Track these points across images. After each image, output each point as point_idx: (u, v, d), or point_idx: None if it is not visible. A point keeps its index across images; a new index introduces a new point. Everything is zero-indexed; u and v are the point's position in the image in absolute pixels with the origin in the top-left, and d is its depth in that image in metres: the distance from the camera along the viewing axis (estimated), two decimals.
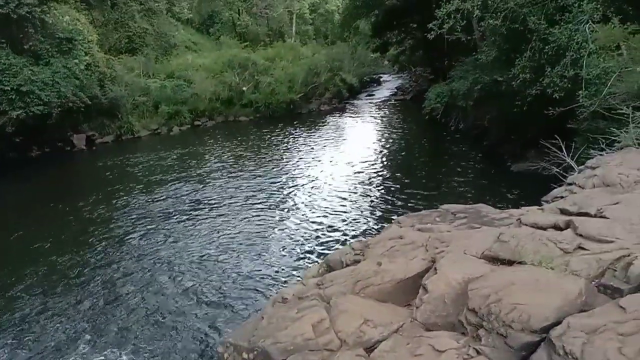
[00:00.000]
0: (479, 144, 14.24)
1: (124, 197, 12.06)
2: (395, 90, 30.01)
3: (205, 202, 11.49)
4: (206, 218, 10.55)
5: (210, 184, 12.80)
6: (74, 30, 16.56)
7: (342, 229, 9.51)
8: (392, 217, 7.46)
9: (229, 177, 13.33)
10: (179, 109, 20.06)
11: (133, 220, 10.63)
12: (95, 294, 7.66)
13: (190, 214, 10.80)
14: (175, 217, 10.66)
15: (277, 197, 11.66)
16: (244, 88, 22.53)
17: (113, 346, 6.32)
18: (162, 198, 11.87)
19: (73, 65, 15.85)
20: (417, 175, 13.05)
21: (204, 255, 8.76)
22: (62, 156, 16.24)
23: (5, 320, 6.99)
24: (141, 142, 18.15)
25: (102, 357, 6.16)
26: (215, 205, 11.22)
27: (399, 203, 10.59)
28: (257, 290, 7.43)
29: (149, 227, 10.22)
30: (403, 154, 15.76)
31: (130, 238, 9.79)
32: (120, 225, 10.48)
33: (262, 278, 7.79)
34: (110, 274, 8.28)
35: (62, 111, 15.40)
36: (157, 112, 19.63)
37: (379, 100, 26.96)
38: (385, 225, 6.72)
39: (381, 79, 34.40)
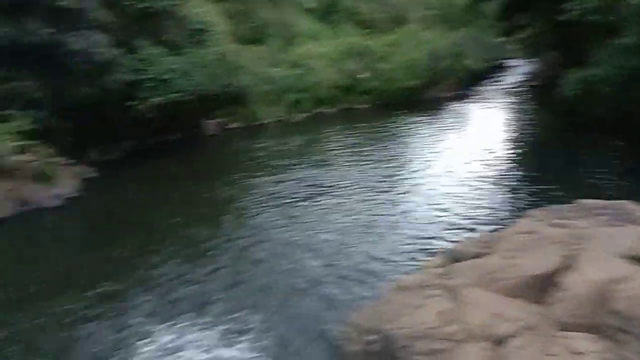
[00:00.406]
0: (620, 135, 12.96)
1: (250, 179, 12.81)
2: (523, 76, 28.21)
3: (326, 185, 11.83)
4: (326, 201, 10.88)
5: (331, 169, 13.15)
6: (206, 22, 17.69)
7: (465, 219, 9.26)
8: (521, 210, 7.14)
9: (348, 163, 13.56)
10: (301, 97, 20.73)
11: (258, 201, 11.28)
12: (224, 265, 8.32)
13: (311, 196, 11.20)
14: (296, 199, 11.12)
15: (397, 184, 11.66)
16: (363, 75, 22.60)
17: (241, 310, 6.93)
18: (284, 180, 12.42)
19: (205, 56, 16.93)
20: (548, 167, 12.21)
21: (322, 237, 9.07)
22: (196, 141, 17.54)
23: (148, 284, 7.86)
24: (266, 129, 19.08)
25: (235, 316, 6.78)
26: (334, 190, 11.52)
27: (528, 196, 10.03)
28: (375, 275, 7.52)
29: (272, 207, 10.78)
30: (532, 144, 14.85)
31: (255, 217, 10.42)
32: (247, 205, 11.19)
33: (380, 263, 7.87)
34: (237, 248, 8.94)
35: (195, 99, 16.52)
36: (281, 100, 20.47)
37: (505, 87, 25.59)
38: (514, 219, 6.45)
39: (507, 65, 32.50)
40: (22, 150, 11.63)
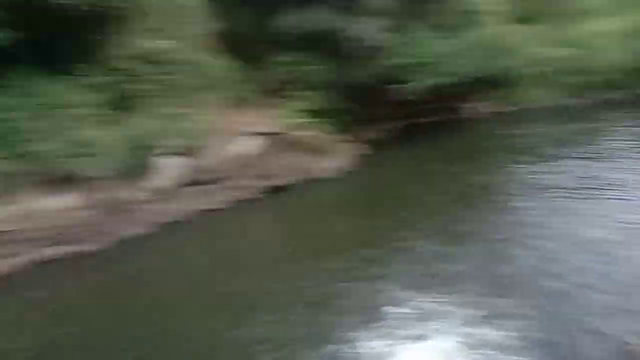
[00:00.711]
0: None
1: (513, 165, 12.26)
2: None
3: (603, 180, 10.50)
4: (603, 196, 9.73)
5: (610, 162, 11.55)
6: (476, 3, 17.17)
7: None
8: None
9: (634, 157, 11.71)
10: (579, 79, 18.55)
11: (519, 189, 10.77)
12: (480, 248, 8.30)
13: (584, 190, 10.11)
14: (565, 192, 10.18)
15: None
16: None
17: (496, 295, 6.81)
18: (551, 171, 11.45)
19: (473, 38, 16.52)
20: None
21: (598, 235, 8.13)
22: (458, 124, 17.34)
23: (404, 255, 8.32)
24: (534, 113, 17.68)
25: (487, 300, 6.69)
26: (614, 185, 10.14)
27: None
28: None
29: (535, 197, 10.13)
30: None
31: (516, 205, 9.98)
32: (507, 192, 10.82)
33: None
34: (495, 233, 8.78)
35: (461, 82, 16.30)
36: (553, 83, 18.73)
37: None
38: None
39: None
40: (306, 126, 13.32)
